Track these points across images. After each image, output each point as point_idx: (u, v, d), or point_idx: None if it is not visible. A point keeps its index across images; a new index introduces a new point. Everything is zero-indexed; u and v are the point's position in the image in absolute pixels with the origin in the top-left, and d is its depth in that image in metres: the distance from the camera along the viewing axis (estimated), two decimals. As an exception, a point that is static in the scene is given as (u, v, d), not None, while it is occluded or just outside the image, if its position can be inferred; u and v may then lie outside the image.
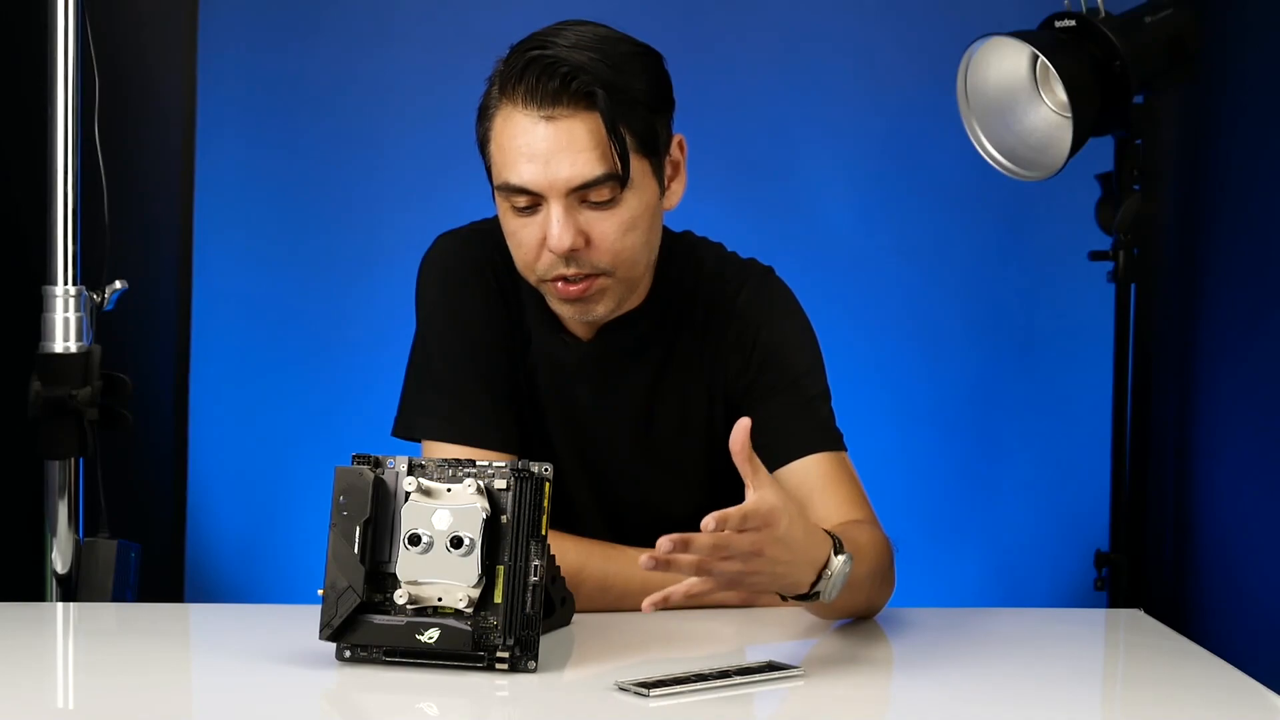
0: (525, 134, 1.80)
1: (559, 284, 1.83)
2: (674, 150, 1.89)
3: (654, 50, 1.87)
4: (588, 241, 1.81)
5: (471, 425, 1.89)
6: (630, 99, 1.81)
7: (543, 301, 1.94)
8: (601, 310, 1.86)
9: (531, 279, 1.87)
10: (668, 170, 1.88)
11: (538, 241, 1.82)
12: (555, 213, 1.80)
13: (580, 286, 1.83)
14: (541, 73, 1.78)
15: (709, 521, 1.53)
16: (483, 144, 1.86)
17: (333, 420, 3.31)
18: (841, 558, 1.65)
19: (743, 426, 1.56)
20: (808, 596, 1.66)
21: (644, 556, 1.53)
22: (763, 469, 1.58)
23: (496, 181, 1.84)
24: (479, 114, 1.86)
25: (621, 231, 1.82)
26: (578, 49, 1.80)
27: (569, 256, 1.81)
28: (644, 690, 1.52)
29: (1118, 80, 2.67)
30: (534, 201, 1.81)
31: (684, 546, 1.53)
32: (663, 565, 1.53)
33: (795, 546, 1.61)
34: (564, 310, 1.88)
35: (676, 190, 1.90)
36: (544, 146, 1.79)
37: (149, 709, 1.52)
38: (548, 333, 1.94)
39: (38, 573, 2.39)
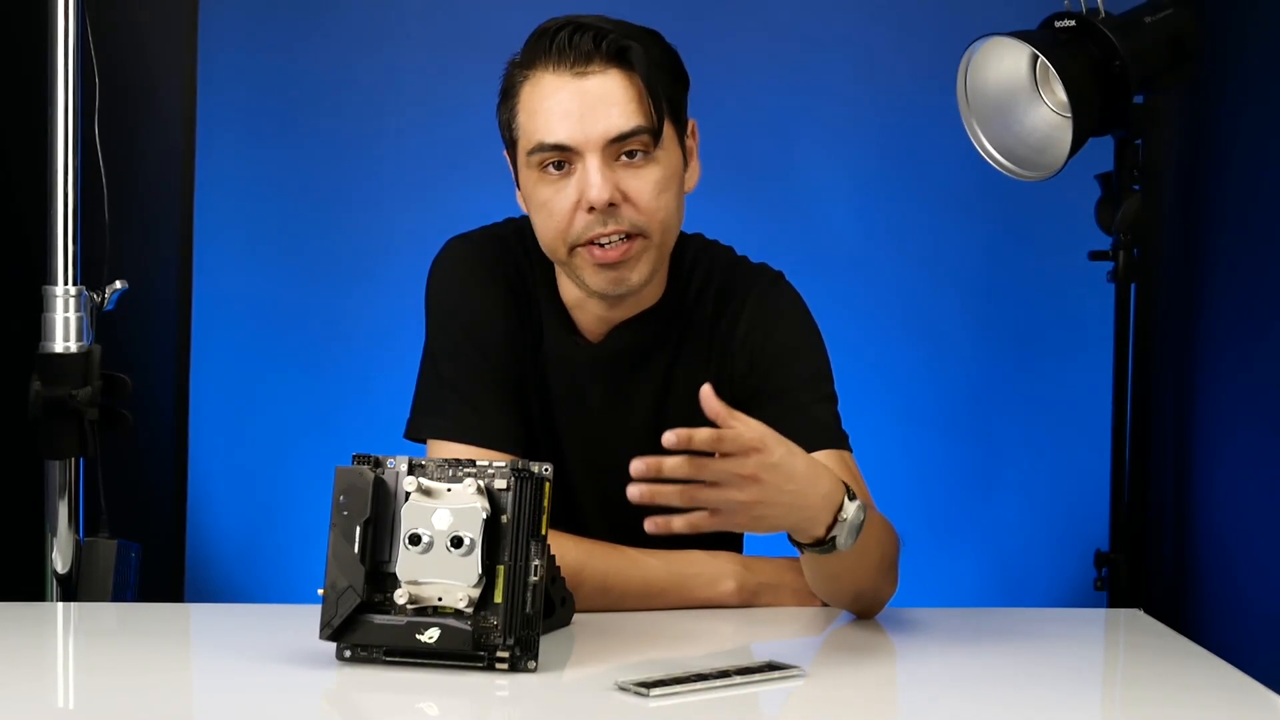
0: (557, 93, 1.81)
1: (594, 249, 1.83)
2: (690, 133, 1.90)
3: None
4: (624, 198, 1.82)
5: (477, 425, 1.89)
6: (658, 62, 1.83)
7: (556, 303, 1.94)
8: (635, 279, 1.85)
9: (563, 251, 1.85)
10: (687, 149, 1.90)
11: (572, 204, 1.82)
12: (593, 165, 1.80)
13: (619, 250, 1.83)
14: (573, 34, 1.81)
15: (668, 436, 1.52)
16: (507, 123, 1.87)
17: (333, 420, 3.31)
18: (855, 503, 1.66)
19: (706, 392, 1.55)
20: (824, 544, 1.65)
21: (631, 487, 1.52)
22: (746, 417, 1.57)
23: (527, 147, 1.83)
24: (501, 97, 1.87)
25: (656, 190, 1.83)
26: (600, 20, 1.83)
27: (606, 214, 1.81)
28: (644, 690, 1.52)
29: (1118, 80, 2.67)
30: (568, 160, 1.81)
31: (656, 468, 1.53)
32: (648, 496, 1.53)
33: (798, 476, 1.61)
34: (597, 281, 1.86)
35: (694, 173, 1.91)
36: (578, 103, 1.80)
37: (149, 709, 1.52)
38: (560, 334, 1.94)
39: (38, 573, 2.39)
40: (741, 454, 1.56)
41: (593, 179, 1.80)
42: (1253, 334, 2.73)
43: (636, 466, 1.52)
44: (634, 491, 1.53)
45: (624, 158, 1.82)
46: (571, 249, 1.84)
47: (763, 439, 1.57)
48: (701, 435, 1.54)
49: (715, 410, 1.56)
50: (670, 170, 1.84)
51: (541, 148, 1.82)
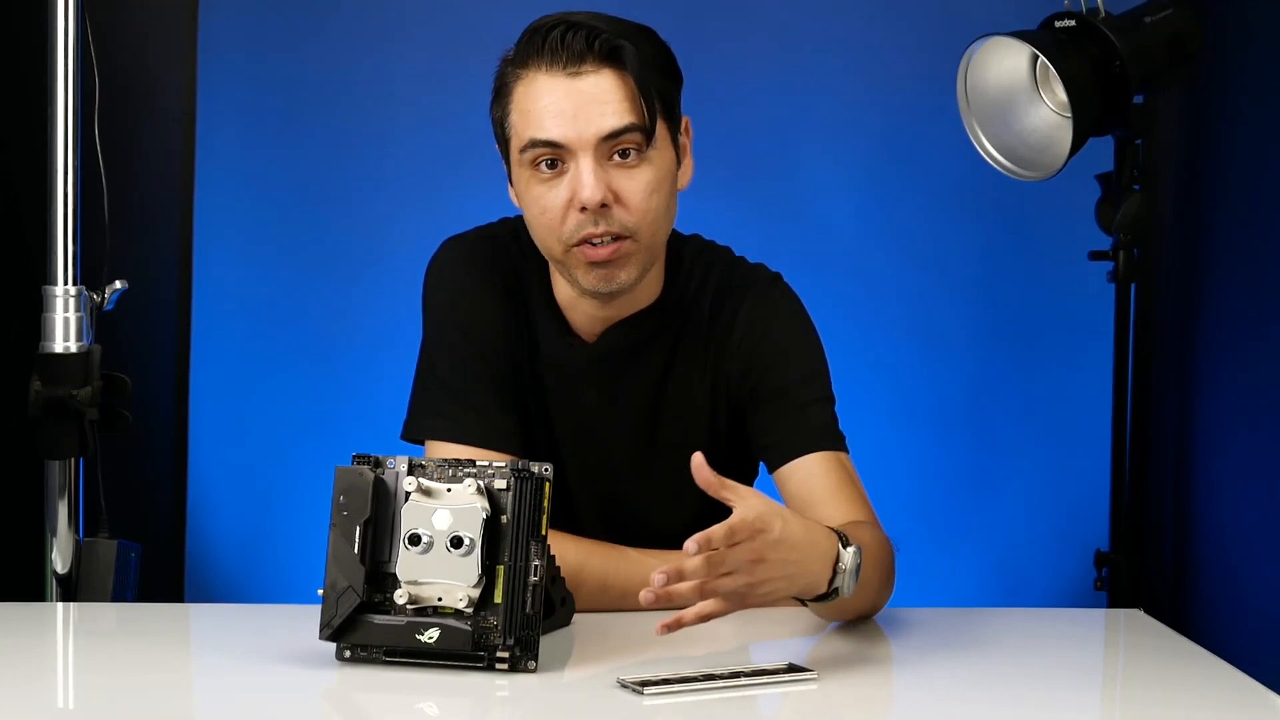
0: (551, 93, 1.81)
1: (585, 247, 1.83)
2: (683, 130, 1.90)
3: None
4: (616, 199, 1.81)
5: (475, 426, 1.89)
6: (650, 61, 1.83)
7: (551, 303, 1.94)
8: (625, 277, 1.85)
9: (557, 249, 1.85)
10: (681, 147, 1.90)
11: (564, 203, 1.82)
12: (585, 164, 1.80)
13: (609, 249, 1.82)
14: (565, 33, 1.81)
15: (690, 545, 1.53)
16: (499, 121, 1.86)
17: (333, 420, 3.31)
18: (850, 549, 1.65)
19: (698, 462, 1.56)
20: (826, 596, 1.65)
21: (644, 592, 1.54)
22: (739, 486, 1.58)
23: (519, 144, 1.83)
24: (494, 96, 1.87)
25: (648, 191, 1.83)
26: (593, 18, 1.83)
27: (598, 214, 1.81)
28: (639, 689, 1.51)
29: (1118, 80, 2.67)
30: (560, 158, 1.81)
31: (677, 576, 1.54)
32: (664, 599, 1.54)
33: (798, 545, 1.60)
34: (589, 280, 1.85)
35: (687, 170, 1.91)
36: (571, 102, 1.80)
37: (149, 709, 1.52)
38: (555, 334, 1.94)
39: (38, 573, 2.39)
40: (748, 538, 1.56)
41: (585, 179, 1.80)
42: (1253, 334, 2.73)
43: (657, 580, 1.53)
44: (646, 596, 1.53)
45: (616, 157, 1.81)
46: (566, 248, 1.84)
47: (761, 517, 1.56)
48: (719, 532, 1.54)
49: (708, 481, 1.56)
50: (662, 170, 1.84)
51: (534, 144, 1.81)
